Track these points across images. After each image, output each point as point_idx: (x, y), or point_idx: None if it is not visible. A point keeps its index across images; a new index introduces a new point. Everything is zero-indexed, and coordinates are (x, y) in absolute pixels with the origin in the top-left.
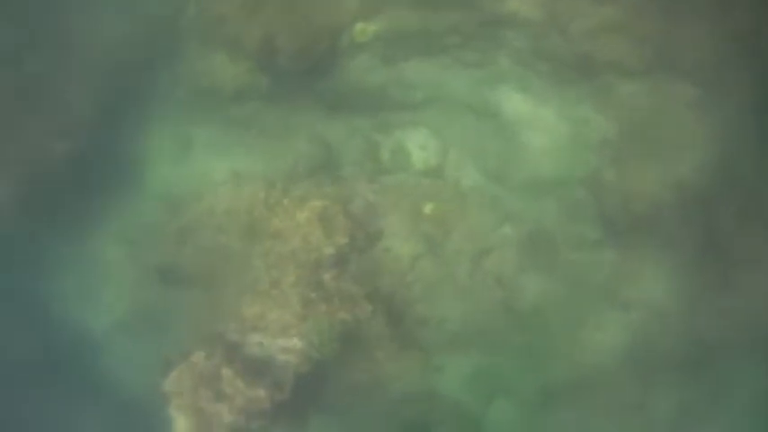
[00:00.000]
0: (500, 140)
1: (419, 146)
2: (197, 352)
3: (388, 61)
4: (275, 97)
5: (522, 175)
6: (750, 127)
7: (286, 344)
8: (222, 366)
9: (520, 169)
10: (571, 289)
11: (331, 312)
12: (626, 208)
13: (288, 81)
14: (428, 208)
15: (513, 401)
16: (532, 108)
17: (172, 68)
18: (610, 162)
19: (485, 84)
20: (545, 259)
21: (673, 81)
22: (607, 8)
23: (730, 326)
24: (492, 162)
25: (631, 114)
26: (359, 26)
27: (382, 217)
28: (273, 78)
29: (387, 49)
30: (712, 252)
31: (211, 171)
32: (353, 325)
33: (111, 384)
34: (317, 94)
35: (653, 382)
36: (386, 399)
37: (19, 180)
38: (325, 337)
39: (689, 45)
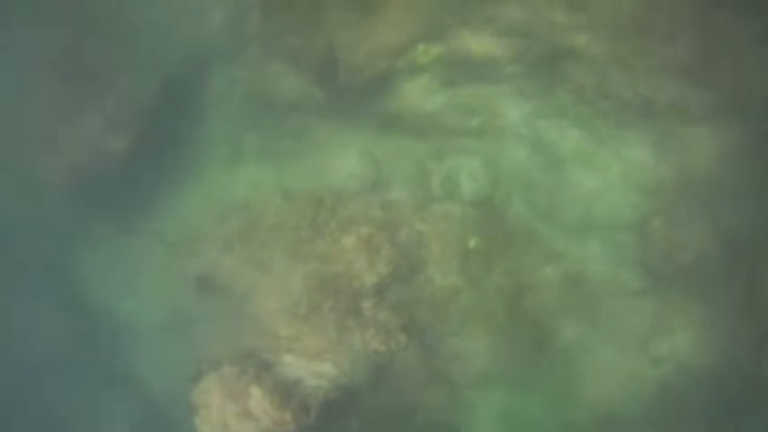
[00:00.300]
0: (552, 176)
1: (470, 176)
2: (228, 366)
3: (446, 85)
4: (330, 112)
5: (570, 214)
6: None
7: (318, 368)
8: (252, 384)
9: (569, 207)
10: (606, 335)
11: (366, 341)
12: (670, 258)
13: (344, 97)
14: (473, 242)
15: None
16: (589, 146)
17: (231, 72)
18: (660, 209)
19: (543, 116)
20: (584, 304)
21: (732, 127)
22: (675, 49)
23: (760, 388)
24: (542, 198)
25: (688, 161)
26: (421, 47)
27: (427, 247)
28: (330, 93)
29: (447, 73)
30: (751, 312)
31: (261, 179)
32: (387, 355)
33: (137, 384)
34: (373, 113)
35: None
36: (412, 429)
37: (72, 169)
38: (357, 366)
39: (752, 91)
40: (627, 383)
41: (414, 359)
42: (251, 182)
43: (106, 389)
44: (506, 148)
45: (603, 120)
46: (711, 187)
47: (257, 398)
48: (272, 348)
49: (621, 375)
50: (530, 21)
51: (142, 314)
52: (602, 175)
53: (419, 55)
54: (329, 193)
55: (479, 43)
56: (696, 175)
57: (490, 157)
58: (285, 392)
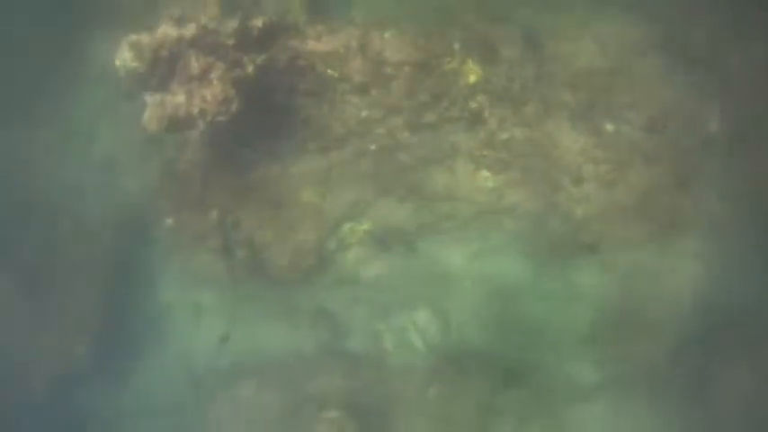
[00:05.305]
0: (502, 306)
1: (421, 329)
2: None
3: (380, 253)
4: (274, 284)
5: (523, 335)
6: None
7: None
8: None
9: (521, 330)
10: None
11: None
12: (624, 360)
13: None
14: (433, 390)
15: None
16: (532, 276)
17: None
18: (609, 321)
19: (483, 256)
20: (548, 411)
21: (675, 241)
22: (616, 192)
23: None
24: (494, 327)
25: (633, 279)
26: (347, 227)
27: (390, 409)
28: (266, 279)
29: (379, 244)
30: (705, 394)
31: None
32: None
33: None
34: (315, 283)
35: None
36: None
37: (46, 380)
38: None
39: (696, 211)
40: None
41: None
42: (220, 343)
43: None
44: (451, 290)
45: (545, 253)
46: (657, 298)
47: None
48: None
49: None
50: (457, 185)
51: None
52: (549, 299)
53: (346, 234)
54: (297, 368)
55: (406, 213)
56: (642, 289)
57: (437, 305)
58: None
